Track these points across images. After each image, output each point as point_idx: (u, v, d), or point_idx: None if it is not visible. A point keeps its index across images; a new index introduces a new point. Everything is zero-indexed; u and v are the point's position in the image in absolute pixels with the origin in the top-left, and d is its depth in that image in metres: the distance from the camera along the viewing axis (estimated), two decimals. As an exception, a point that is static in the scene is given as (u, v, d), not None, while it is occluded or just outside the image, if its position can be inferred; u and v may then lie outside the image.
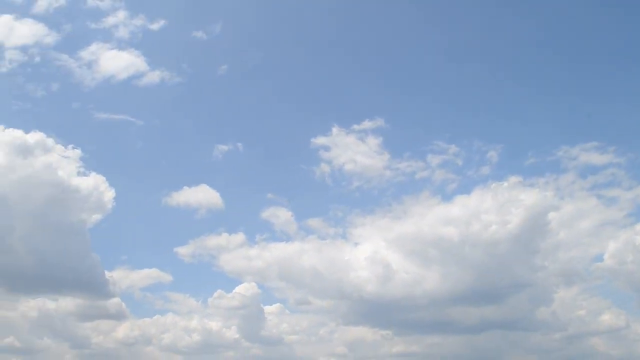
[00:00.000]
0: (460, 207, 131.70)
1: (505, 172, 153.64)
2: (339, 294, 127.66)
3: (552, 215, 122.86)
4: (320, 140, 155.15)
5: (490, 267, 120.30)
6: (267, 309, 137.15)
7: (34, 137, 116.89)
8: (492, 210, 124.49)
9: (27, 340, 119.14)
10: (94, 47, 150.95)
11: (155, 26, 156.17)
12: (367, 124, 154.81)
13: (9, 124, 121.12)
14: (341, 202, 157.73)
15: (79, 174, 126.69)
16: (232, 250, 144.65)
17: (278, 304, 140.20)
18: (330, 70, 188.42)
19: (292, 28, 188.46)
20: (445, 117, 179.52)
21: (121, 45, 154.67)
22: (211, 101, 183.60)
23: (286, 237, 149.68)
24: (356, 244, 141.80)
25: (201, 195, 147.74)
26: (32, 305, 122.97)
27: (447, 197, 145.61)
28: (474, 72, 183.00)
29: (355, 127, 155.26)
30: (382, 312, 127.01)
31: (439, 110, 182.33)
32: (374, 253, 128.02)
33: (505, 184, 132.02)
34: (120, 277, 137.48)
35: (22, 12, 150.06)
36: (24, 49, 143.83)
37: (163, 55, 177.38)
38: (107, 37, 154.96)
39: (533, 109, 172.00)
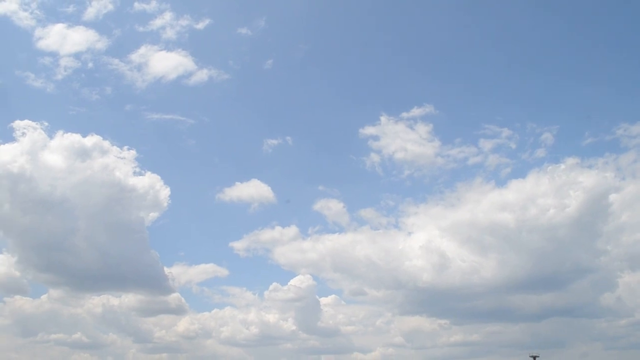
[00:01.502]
0: (515, 191, 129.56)
1: (562, 153, 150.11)
2: (394, 284, 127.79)
3: (613, 197, 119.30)
4: (369, 130, 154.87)
5: (549, 253, 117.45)
6: (323, 300, 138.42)
7: (91, 140, 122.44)
8: (549, 194, 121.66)
9: (94, 335, 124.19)
10: (143, 49, 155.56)
11: (200, 25, 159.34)
12: (416, 111, 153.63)
13: (67, 129, 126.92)
14: (392, 191, 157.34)
15: (135, 173, 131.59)
16: (286, 243, 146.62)
17: (333, 295, 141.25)
18: (376, 59, 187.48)
19: (337, 18, 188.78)
20: (496, 100, 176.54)
21: (169, 46, 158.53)
22: (259, 96, 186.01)
23: (339, 229, 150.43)
24: (409, 233, 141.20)
25: (253, 190, 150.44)
26: (97, 302, 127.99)
27: (502, 182, 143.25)
28: (523, 53, 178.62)
29: (404, 114, 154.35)
30: (439, 301, 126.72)
31: (490, 93, 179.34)
32: (428, 242, 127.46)
33: (562, 166, 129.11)
34: (178, 272, 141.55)
35: (74, 20, 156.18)
36: (77, 55, 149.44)
37: (210, 53, 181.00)
38: (155, 39, 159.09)
39: (588, 86, 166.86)
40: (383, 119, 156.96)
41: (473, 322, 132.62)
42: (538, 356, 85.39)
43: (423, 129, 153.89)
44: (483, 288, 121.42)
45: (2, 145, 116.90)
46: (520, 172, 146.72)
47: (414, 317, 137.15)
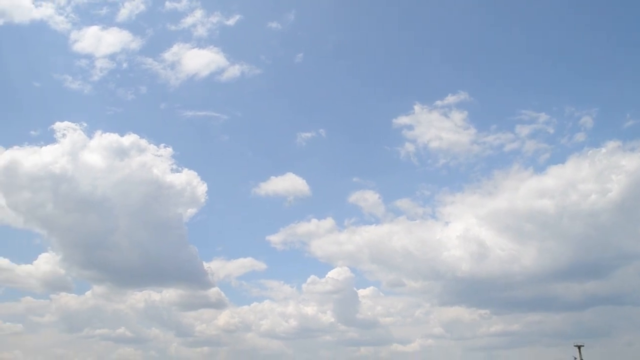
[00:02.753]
0: (554, 177, 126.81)
1: (602, 137, 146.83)
2: (432, 275, 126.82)
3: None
4: (403, 119, 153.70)
5: (592, 240, 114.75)
6: (361, 292, 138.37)
7: (129, 139, 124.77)
8: (590, 179, 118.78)
9: (137, 330, 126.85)
10: (175, 48, 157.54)
11: (231, 21, 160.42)
12: (450, 99, 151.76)
13: (105, 129, 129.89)
14: (428, 180, 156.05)
15: (172, 170, 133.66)
16: (322, 236, 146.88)
17: (371, 287, 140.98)
18: (408, 48, 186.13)
19: (366, 8, 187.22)
20: (532, 84, 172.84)
21: (201, 43, 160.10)
22: (291, 90, 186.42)
23: (375, 220, 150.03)
24: (447, 222, 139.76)
25: (288, 184, 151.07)
26: (139, 298, 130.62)
27: (540, 169, 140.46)
28: (558, 35, 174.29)
29: (438, 102, 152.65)
30: (478, 291, 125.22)
31: (525, 77, 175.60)
32: (466, 231, 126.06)
33: (603, 149, 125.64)
34: (217, 267, 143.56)
35: (108, 22, 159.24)
36: (112, 56, 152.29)
37: (241, 49, 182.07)
38: (186, 37, 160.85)
39: (628, 65, 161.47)
40: (417, 108, 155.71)
41: (513, 311, 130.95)
42: (583, 345, 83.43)
43: (458, 116, 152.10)
44: (523, 277, 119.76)
45: (44, 147, 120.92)
46: (559, 158, 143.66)
47: (453, 308, 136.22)
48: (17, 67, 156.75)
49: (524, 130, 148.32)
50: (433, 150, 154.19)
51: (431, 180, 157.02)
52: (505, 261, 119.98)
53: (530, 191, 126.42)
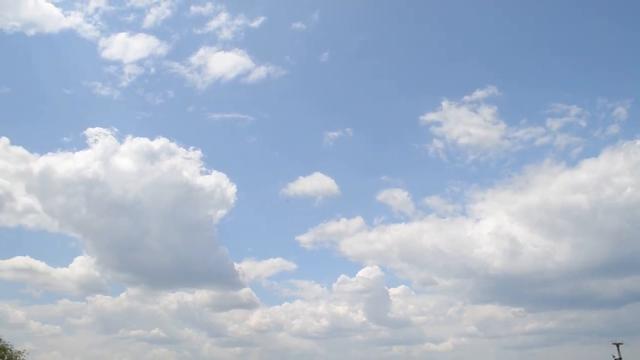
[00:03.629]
0: (588, 171, 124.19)
1: (637, 128, 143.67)
2: (464, 272, 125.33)
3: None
4: (430, 116, 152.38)
5: (628, 234, 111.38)
6: (392, 291, 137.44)
7: (159, 142, 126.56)
8: (625, 172, 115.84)
9: (171, 330, 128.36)
10: (201, 51, 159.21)
11: (255, 23, 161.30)
12: (478, 94, 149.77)
13: (135, 133, 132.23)
14: (458, 177, 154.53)
15: (201, 173, 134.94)
16: (352, 235, 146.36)
17: (402, 286, 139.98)
18: (434, 44, 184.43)
19: (391, 6, 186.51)
20: (562, 76, 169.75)
21: (226, 46, 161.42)
22: (317, 89, 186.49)
23: (404, 218, 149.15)
24: (477, 219, 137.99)
25: (316, 183, 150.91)
26: (172, 299, 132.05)
27: (573, 162, 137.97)
28: (589, 24, 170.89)
29: (466, 98, 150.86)
30: (512, 288, 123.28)
31: (555, 69, 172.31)
32: (498, 227, 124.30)
33: (638, 141, 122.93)
34: (248, 268, 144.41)
35: (135, 28, 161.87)
36: (140, 62, 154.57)
37: (266, 50, 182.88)
38: (212, 40, 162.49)
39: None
40: (444, 104, 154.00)
41: (548, 309, 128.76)
42: (621, 343, 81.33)
43: (487, 111, 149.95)
44: (557, 274, 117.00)
45: (76, 153, 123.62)
46: (592, 151, 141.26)
47: (486, 306, 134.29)
48: (49, 76, 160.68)
49: (555, 124, 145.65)
50: (462, 146, 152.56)
51: (461, 177, 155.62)
52: (539, 258, 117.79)
53: (563, 186, 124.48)
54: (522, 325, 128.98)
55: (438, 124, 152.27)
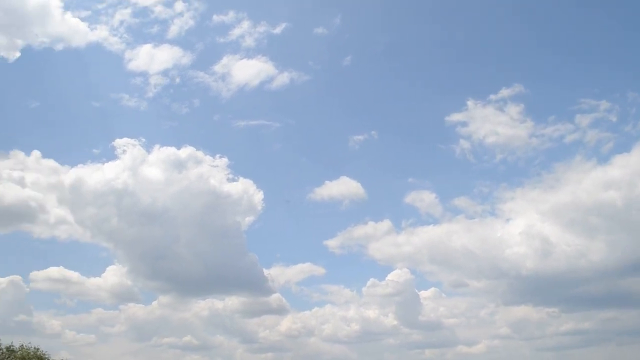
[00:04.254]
0: (620, 167, 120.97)
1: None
2: (495, 273, 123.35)
3: None
4: (456, 116, 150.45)
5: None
6: (422, 293, 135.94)
7: (186, 151, 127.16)
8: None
9: (203, 337, 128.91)
10: (225, 60, 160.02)
11: (277, 30, 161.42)
12: (504, 92, 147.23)
13: (162, 143, 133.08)
14: (486, 177, 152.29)
15: (228, 180, 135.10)
16: (380, 238, 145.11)
17: (433, 288, 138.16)
18: (457, 44, 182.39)
19: (412, 7, 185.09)
20: (590, 71, 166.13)
21: (249, 53, 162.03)
22: (341, 93, 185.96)
23: (433, 220, 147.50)
24: (507, 219, 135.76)
25: (343, 187, 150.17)
26: (203, 306, 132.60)
27: (604, 159, 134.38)
28: (616, 16, 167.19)
29: (492, 97, 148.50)
30: (545, 288, 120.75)
31: (583, 64, 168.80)
32: (529, 227, 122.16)
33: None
34: (277, 273, 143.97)
35: (159, 39, 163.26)
36: (165, 72, 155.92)
37: (289, 56, 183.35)
38: (235, 48, 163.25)
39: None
40: (470, 103, 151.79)
41: (584, 309, 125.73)
42: (662, 342, 79.37)
43: (513, 110, 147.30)
44: (592, 272, 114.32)
45: (106, 164, 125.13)
46: (624, 146, 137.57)
47: (519, 307, 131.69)
48: (77, 89, 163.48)
49: (584, 120, 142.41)
50: (489, 146, 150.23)
51: (489, 177, 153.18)
52: (572, 257, 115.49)
53: (595, 183, 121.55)
54: (556, 326, 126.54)
55: (464, 124, 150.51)
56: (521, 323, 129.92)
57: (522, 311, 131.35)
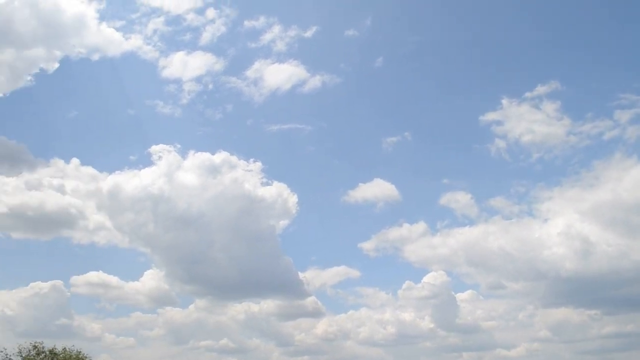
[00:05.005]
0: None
1: None
2: (534, 275, 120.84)
3: None
4: (490, 115, 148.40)
5: None
6: (459, 296, 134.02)
7: (220, 156, 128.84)
8: None
9: (239, 340, 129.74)
10: (257, 65, 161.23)
11: (308, 33, 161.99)
12: (540, 89, 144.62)
13: (197, 149, 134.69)
14: (522, 177, 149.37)
15: (262, 184, 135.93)
16: (415, 240, 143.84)
17: (470, 291, 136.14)
18: (490, 41, 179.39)
19: (443, 4, 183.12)
20: (629, 65, 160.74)
21: (280, 57, 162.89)
22: (373, 95, 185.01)
23: (468, 221, 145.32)
24: (545, 219, 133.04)
25: (377, 190, 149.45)
26: (239, 310, 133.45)
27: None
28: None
29: (528, 94, 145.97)
30: (586, 290, 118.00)
31: (621, 58, 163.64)
32: (568, 227, 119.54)
33: None
34: (312, 276, 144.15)
35: (192, 46, 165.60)
36: (198, 79, 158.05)
37: (320, 59, 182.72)
38: (266, 53, 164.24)
39: None
40: (505, 102, 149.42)
41: (627, 311, 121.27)
42: None
43: (550, 107, 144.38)
44: (635, 273, 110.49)
45: (142, 170, 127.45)
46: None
47: (559, 309, 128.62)
48: (113, 97, 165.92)
49: (624, 116, 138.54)
50: (525, 144, 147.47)
51: (525, 176, 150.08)
52: (614, 257, 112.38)
53: (636, 180, 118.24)
54: (598, 328, 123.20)
55: (499, 123, 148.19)
56: (561, 326, 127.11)
57: (562, 313, 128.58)
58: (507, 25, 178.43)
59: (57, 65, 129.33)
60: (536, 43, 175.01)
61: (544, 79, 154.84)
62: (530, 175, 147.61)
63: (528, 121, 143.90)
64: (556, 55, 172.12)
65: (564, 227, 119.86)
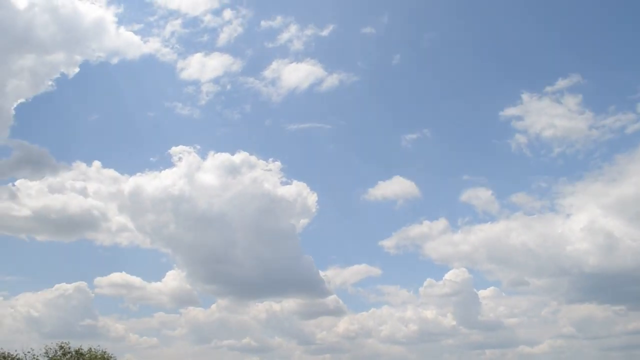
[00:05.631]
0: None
1: None
2: (557, 271, 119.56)
3: None
4: (510, 110, 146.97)
5: None
6: (481, 293, 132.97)
7: (239, 156, 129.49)
8: None
9: (261, 339, 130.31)
10: (274, 64, 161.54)
11: (325, 32, 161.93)
12: (561, 83, 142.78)
13: (217, 149, 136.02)
14: (544, 172, 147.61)
15: (282, 183, 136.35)
16: (436, 238, 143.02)
17: (492, 287, 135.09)
18: (508, 36, 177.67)
19: (460, 1, 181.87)
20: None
21: (298, 57, 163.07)
22: (391, 92, 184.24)
23: (490, 218, 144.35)
24: (568, 215, 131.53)
25: (397, 187, 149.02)
26: (261, 309, 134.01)
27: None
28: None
29: (548, 89, 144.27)
30: (610, 286, 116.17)
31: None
32: (591, 222, 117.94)
33: None
34: (333, 275, 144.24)
35: (209, 48, 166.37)
36: (216, 80, 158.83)
37: (337, 58, 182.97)
38: (284, 52, 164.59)
39: None
40: (525, 96, 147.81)
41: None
42: None
43: (571, 101, 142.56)
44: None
45: (163, 171, 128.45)
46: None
47: (583, 305, 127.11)
48: (133, 100, 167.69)
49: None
50: (546, 139, 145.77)
51: (547, 172, 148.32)
52: (638, 252, 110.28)
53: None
54: (624, 324, 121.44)
55: (519, 118, 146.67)
56: (586, 322, 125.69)
57: (587, 309, 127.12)
58: (526, 18, 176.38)
59: (77, 69, 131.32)
60: (556, 36, 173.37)
61: (565, 72, 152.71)
62: (552, 170, 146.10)
63: (549, 116, 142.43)
64: (577, 48, 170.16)
65: (587, 222, 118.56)
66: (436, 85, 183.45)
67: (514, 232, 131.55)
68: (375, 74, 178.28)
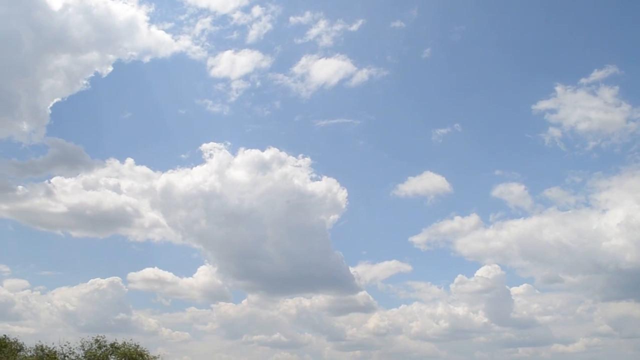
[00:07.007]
0: None
1: None
2: (592, 268, 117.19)
3: None
4: (544, 104, 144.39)
5: None
6: (514, 290, 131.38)
7: (269, 153, 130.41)
8: None
9: (291, 335, 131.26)
10: (303, 60, 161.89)
11: (354, 27, 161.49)
12: (597, 75, 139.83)
13: (247, 146, 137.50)
14: (578, 166, 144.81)
15: (312, 179, 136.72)
16: (467, 234, 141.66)
17: (525, 284, 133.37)
18: (541, 27, 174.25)
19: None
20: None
21: (327, 52, 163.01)
22: (421, 87, 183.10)
23: (522, 213, 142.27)
24: (604, 210, 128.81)
25: (427, 183, 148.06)
26: (291, 304, 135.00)
27: None
28: None
29: (583, 81, 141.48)
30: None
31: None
32: (628, 217, 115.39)
33: None
34: (363, 271, 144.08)
35: (239, 45, 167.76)
36: (246, 77, 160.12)
37: (367, 52, 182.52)
38: (313, 48, 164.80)
39: None
40: (559, 89, 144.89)
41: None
42: None
43: (607, 93, 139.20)
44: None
45: (194, 168, 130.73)
46: None
47: (620, 303, 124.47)
48: (164, 98, 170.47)
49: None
50: (581, 133, 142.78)
51: (582, 166, 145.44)
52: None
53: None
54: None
55: (553, 111, 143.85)
56: (622, 320, 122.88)
57: (623, 307, 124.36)
58: (560, 8, 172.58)
59: (110, 68, 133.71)
60: (592, 26, 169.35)
61: (600, 63, 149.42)
62: (586, 164, 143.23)
63: (584, 108, 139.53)
64: (613, 38, 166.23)
65: (623, 218, 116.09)
66: (467, 79, 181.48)
67: (547, 227, 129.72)
68: (405, 68, 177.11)
